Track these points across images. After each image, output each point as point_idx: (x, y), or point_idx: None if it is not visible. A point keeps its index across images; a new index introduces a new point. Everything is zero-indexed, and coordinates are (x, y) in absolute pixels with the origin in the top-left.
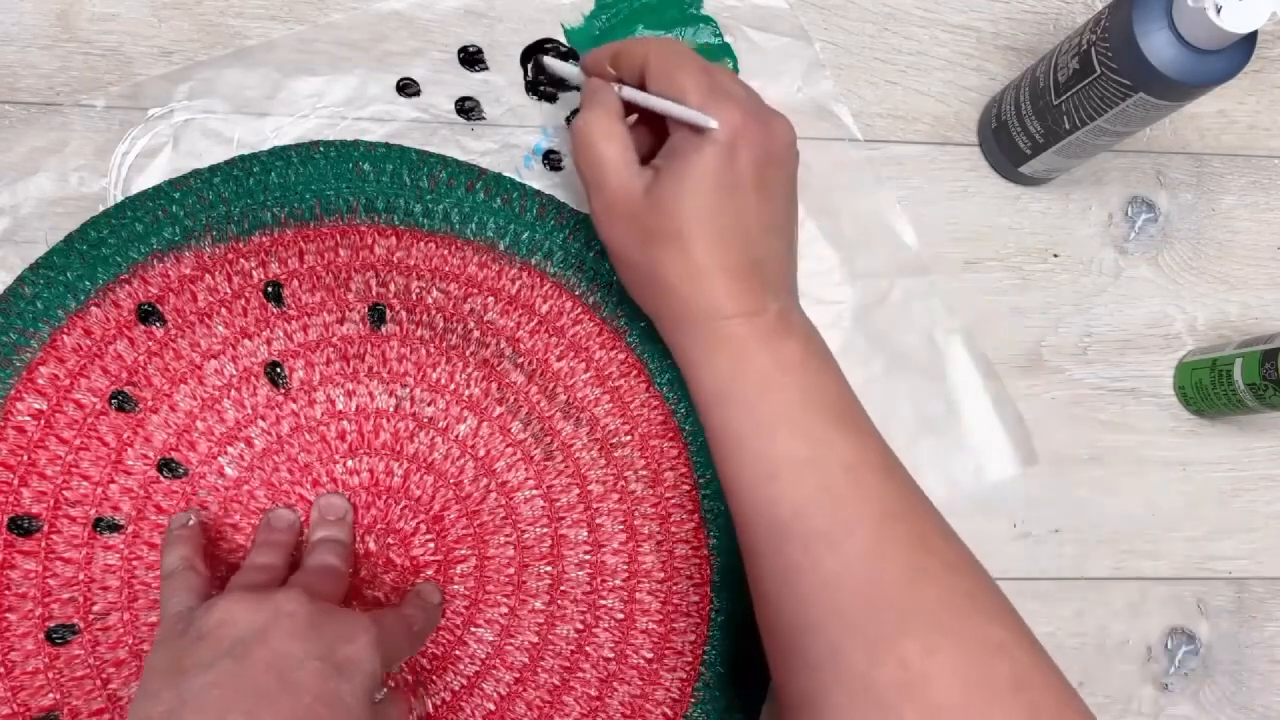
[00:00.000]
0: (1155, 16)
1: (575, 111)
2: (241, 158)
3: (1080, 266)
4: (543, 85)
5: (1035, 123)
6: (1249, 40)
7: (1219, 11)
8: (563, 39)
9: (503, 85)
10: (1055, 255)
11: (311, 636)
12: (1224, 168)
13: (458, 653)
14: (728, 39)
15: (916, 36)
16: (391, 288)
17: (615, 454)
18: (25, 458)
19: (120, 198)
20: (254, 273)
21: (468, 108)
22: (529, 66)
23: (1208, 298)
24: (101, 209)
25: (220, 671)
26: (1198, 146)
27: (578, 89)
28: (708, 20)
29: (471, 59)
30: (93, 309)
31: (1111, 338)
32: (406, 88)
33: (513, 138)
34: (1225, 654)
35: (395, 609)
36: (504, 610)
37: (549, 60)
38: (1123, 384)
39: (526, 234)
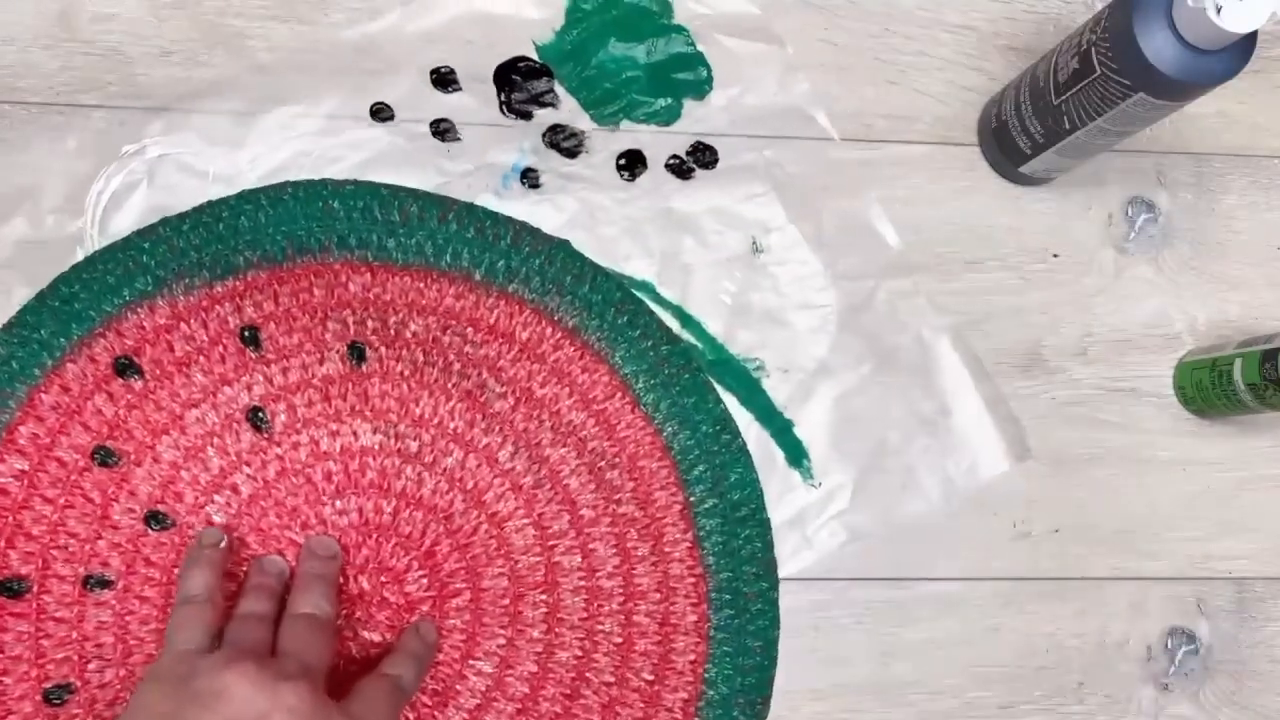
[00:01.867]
0: (1155, 16)
1: (554, 128)
2: (210, 203)
3: (1080, 266)
4: (517, 103)
5: (1035, 123)
6: (1249, 40)
7: (1219, 11)
8: (534, 56)
9: (477, 105)
10: (1055, 255)
11: None
12: (1224, 168)
13: (458, 687)
14: (701, 48)
15: (916, 36)
16: (369, 324)
17: (605, 477)
18: (11, 519)
19: (97, 237)
20: (229, 318)
21: (443, 129)
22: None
23: (1208, 298)
24: (79, 250)
25: None
26: (1198, 146)
27: (550, 103)
28: (680, 30)
29: (444, 80)
30: (69, 365)
31: (1111, 338)
32: (380, 112)
33: (489, 157)
34: (1225, 654)
35: (387, 677)
36: (501, 641)
37: None
38: (1123, 384)
39: (502, 262)
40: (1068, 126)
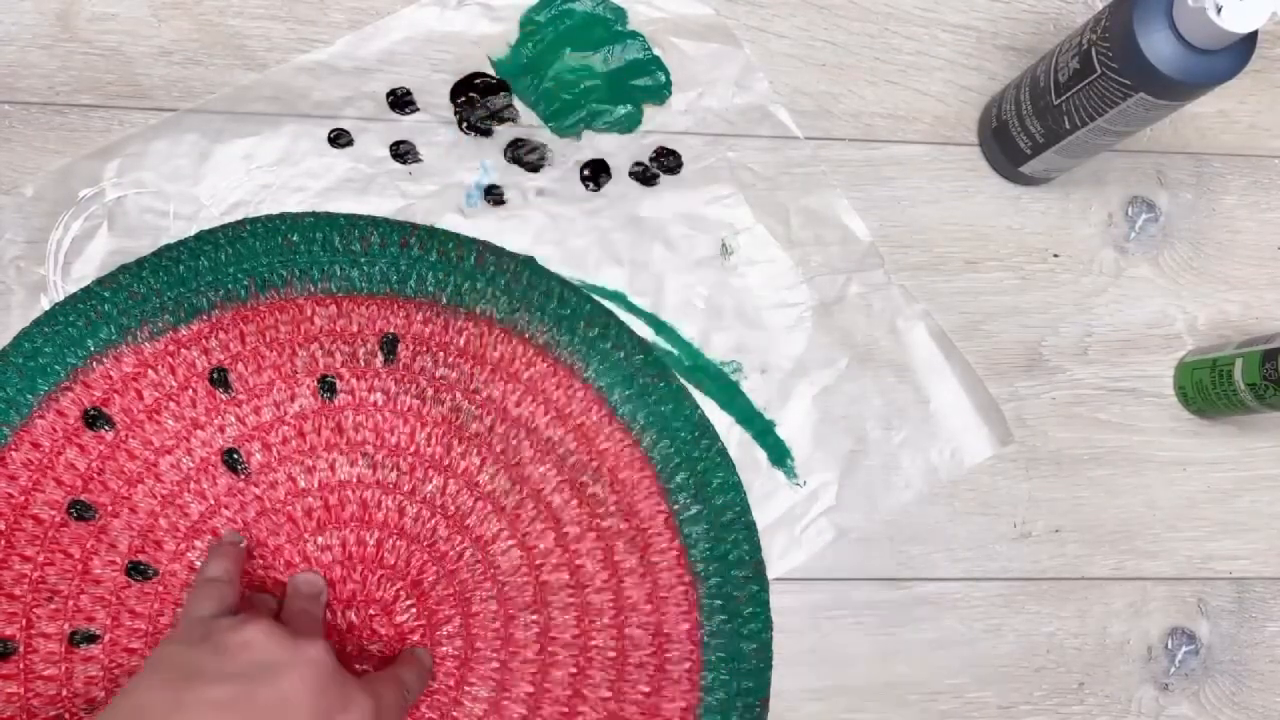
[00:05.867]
0: (1155, 16)
1: (515, 143)
2: (168, 247)
3: (1080, 266)
4: (476, 120)
5: (1035, 123)
6: (1249, 40)
7: (1219, 11)
8: (491, 71)
9: (436, 125)
10: (1055, 255)
11: (318, 692)
12: (1224, 168)
13: (455, 714)
14: (656, 52)
15: (916, 36)
16: (338, 357)
17: (586, 492)
18: None
19: (61, 284)
20: (197, 361)
21: (403, 151)
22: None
23: (1208, 298)
24: (44, 299)
25: (226, 690)
26: (1198, 146)
27: (510, 117)
28: (635, 36)
29: (401, 102)
30: (38, 421)
31: (1112, 338)
32: (339, 138)
33: (452, 177)
34: (1225, 654)
35: (394, 673)
36: (495, 665)
37: None
38: (1123, 384)
39: (467, 284)
40: (1068, 126)
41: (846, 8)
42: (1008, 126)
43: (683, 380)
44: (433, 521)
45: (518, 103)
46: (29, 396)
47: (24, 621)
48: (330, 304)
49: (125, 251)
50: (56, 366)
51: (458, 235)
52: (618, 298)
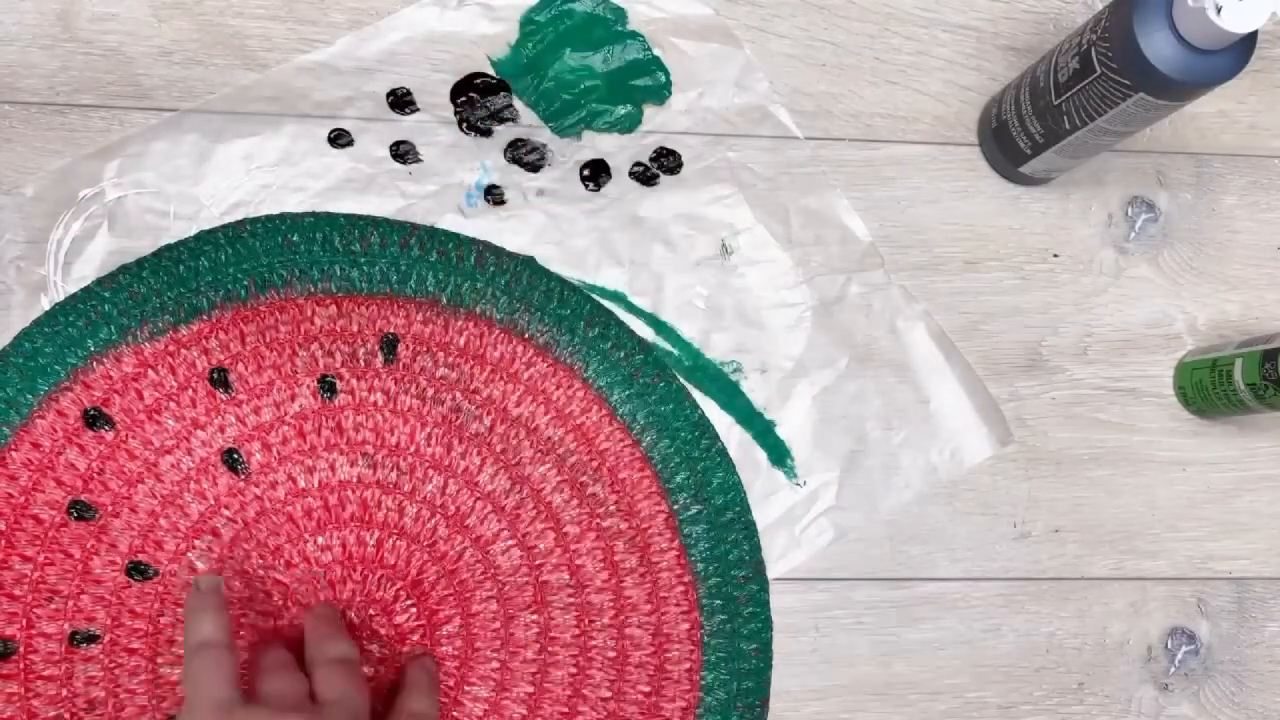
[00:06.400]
0: (1155, 16)
1: (515, 143)
2: (169, 247)
3: (1080, 266)
4: (476, 120)
5: (1035, 123)
6: (1249, 40)
7: (1219, 11)
8: (491, 71)
9: (436, 125)
10: (1055, 255)
11: None
12: (1224, 168)
13: (455, 714)
14: (656, 52)
15: (916, 36)
16: (338, 357)
17: (587, 491)
18: None
19: (61, 284)
20: (197, 361)
21: (403, 151)
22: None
23: (1208, 298)
24: (44, 299)
25: None
26: (1198, 146)
27: (510, 117)
28: (635, 36)
29: (401, 102)
30: (38, 421)
31: (1112, 338)
32: (339, 138)
33: (452, 177)
34: (1225, 654)
35: (407, 710)
36: (495, 665)
37: None
38: (1123, 384)
39: (467, 284)
40: (1068, 126)
41: (846, 8)
42: (1008, 126)
43: (683, 380)
44: (433, 521)
45: (518, 103)
46: (29, 396)
47: (24, 621)
48: (330, 304)
49: (125, 251)
50: (56, 366)
51: (458, 235)
52: (618, 298)
